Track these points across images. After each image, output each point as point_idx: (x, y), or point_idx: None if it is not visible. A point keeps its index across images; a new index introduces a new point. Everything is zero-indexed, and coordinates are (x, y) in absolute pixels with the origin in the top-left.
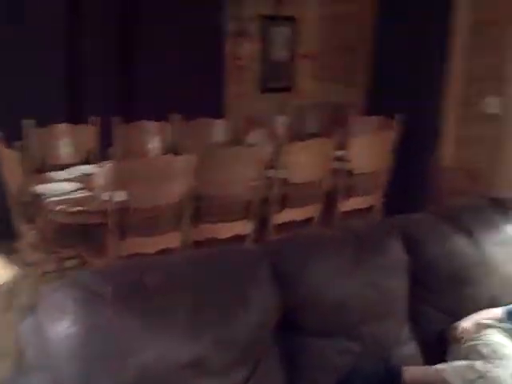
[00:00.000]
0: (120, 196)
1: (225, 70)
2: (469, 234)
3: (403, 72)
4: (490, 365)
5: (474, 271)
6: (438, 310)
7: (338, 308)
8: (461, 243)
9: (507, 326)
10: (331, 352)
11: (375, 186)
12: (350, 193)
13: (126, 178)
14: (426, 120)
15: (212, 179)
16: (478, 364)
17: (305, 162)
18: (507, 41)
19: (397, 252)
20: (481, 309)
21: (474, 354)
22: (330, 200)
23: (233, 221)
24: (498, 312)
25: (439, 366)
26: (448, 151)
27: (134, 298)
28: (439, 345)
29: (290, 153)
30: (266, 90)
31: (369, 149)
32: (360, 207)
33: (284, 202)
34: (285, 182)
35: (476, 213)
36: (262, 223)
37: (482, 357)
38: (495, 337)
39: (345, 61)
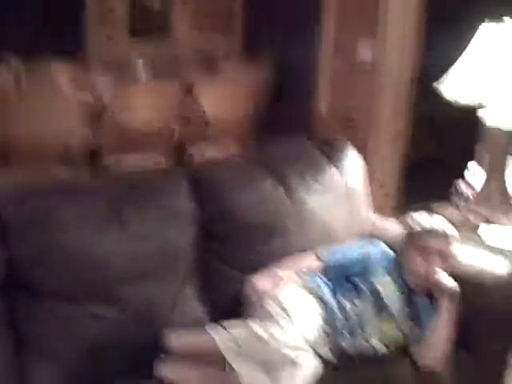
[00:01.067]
0: None
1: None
2: (281, 179)
3: (278, 19)
4: (270, 325)
5: (284, 221)
6: (234, 267)
7: (93, 267)
8: (270, 190)
9: (314, 282)
10: (77, 319)
11: (235, 135)
12: (205, 141)
13: None
14: (301, 67)
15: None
16: (257, 326)
17: (146, 106)
18: None
19: (180, 200)
20: None
21: (264, 314)
22: (181, 149)
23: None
24: (317, 264)
25: (212, 329)
26: (323, 100)
27: None
28: (234, 307)
29: (127, 96)
30: (136, 34)
31: (227, 95)
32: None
33: (120, 148)
34: (123, 126)
35: (295, 157)
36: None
37: (269, 317)
38: (293, 294)
39: (220, 7)
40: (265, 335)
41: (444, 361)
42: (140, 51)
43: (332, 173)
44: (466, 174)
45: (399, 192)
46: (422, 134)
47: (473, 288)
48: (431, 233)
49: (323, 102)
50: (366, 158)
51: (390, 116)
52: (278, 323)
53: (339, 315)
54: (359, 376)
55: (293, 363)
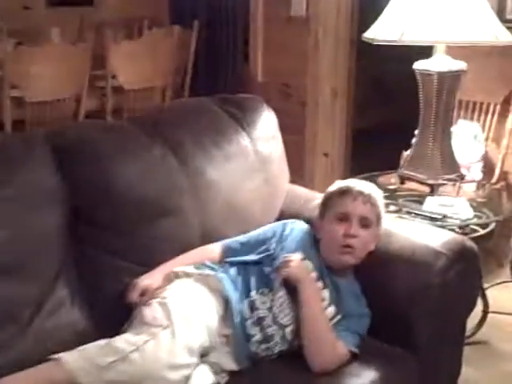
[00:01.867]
0: None
1: None
2: (174, 147)
3: None
4: (143, 337)
5: (176, 197)
6: (116, 255)
7: None
8: (158, 160)
9: (215, 275)
10: None
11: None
12: (121, 113)
13: None
14: (230, 29)
15: None
16: (122, 341)
17: (45, 75)
18: None
19: (42, 173)
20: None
21: (141, 322)
22: None
23: None
24: (215, 249)
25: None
26: (256, 62)
27: None
28: (117, 307)
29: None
30: (56, 4)
31: (147, 62)
32: None
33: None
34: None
35: (192, 120)
36: None
37: (141, 324)
38: (183, 293)
39: None
40: (133, 355)
41: (336, 360)
42: (60, 20)
43: (240, 138)
44: (414, 140)
45: (345, 161)
46: (370, 98)
47: (407, 267)
48: (345, 192)
49: (256, 65)
50: (305, 124)
51: (328, 78)
52: (154, 336)
53: (246, 312)
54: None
55: None
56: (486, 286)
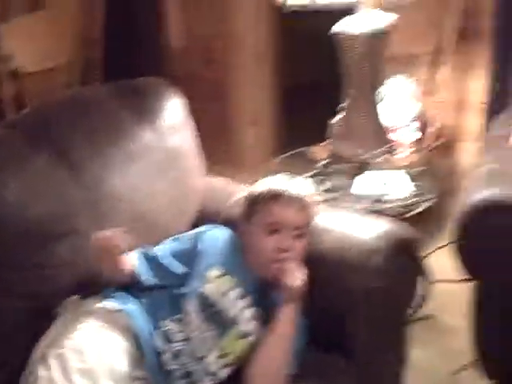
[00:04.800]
0: None
1: None
2: (62, 153)
3: None
4: None
5: (70, 214)
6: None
7: None
8: (46, 170)
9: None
10: None
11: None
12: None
13: None
14: None
15: None
16: None
17: None
18: None
19: None
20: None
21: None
22: None
23: None
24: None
25: None
26: (174, 28)
27: None
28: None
29: None
30: None
31: (47, 37)
32: None
33: None
34: None
35: (84, 117)
36: None
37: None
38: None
39: None
40: None
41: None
42: None
43: (142, 133)
44: (341, 106)
45: (277, 130)
46: (300, 58)
47: (340, 269)
48: (275, 198)
49: (174, 30)
50: (228, 88)
51: (252, 39)
52: None
53: (160, 346)
54: None
55: None
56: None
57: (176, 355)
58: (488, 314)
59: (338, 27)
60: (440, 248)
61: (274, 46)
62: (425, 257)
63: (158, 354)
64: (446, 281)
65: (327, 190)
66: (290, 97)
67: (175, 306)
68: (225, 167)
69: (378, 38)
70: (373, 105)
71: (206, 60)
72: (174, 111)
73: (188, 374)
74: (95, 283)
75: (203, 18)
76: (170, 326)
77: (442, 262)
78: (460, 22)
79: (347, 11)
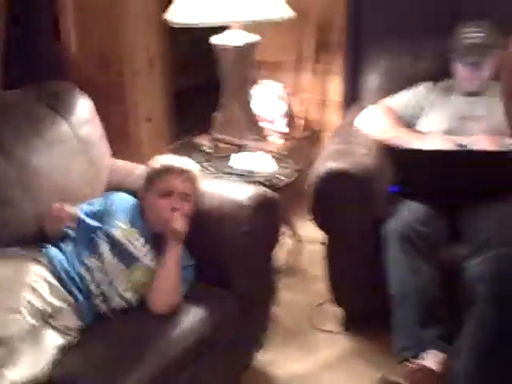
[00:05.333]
0: None
1: None
2: None
3: None
4: None
5: (5, 189)
6: None
7: None
8: None
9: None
10: None
11: None
12: None
13: None
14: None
15: None
16: None
17: None
18: None
19: None
20: None
21: None
22: None
23: None
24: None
25: None
26: (69, 37)
27: None
28: None
29: None
30: None
31: None
32: None
33: None
34: None
35: (11, 113)
36: None
37: None
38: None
39: None
40: None
41: (174, 305)
42: None
43: (59, 125)
44: (220, 103)
45: (168, 124)
46: (190, 58)
47: (219, 221)
48: (168, 171)
49: (69, 38)
50: (126, 93)
51: (143, 43)
52: None
53: (85, 277)
54: (115, 334)
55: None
56: (296, 219)
57: (93, 278)
58: (335, 262)
59: (216, 40)
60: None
61: (164, 54)
62: (295, 225)
63: (81, 281)
64: (312, 241)
65: (210, 166)
66: (179, 97)
67: (94, 247)
68: (125, 159)
69: (246, 49)
70: (246, 101)
71: (104, 68)
72: (83, 109)
73: (102, 293)
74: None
75: (95, 25)
76: (90, 261)
77: (311, 230)
78: (318, 36)
79: (225, 27)
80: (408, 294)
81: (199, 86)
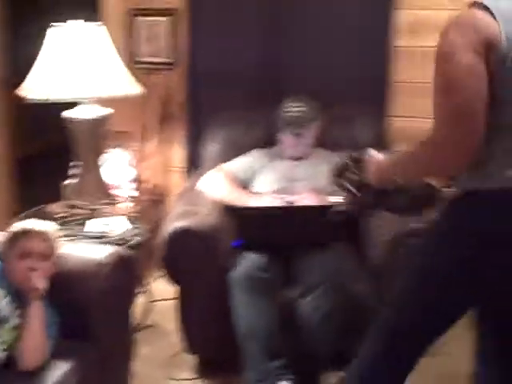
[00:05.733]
0: None
1: None
2: None
3: None
4: None
5: None
6: None
7: None
8: None
9: None
10: None
11: None
12: None
13: None
14: None
15: None
16: None
17: None
18: None
19: None
20: None
21: None
22: None
23: None
24: None
25: None
26: None
27: None
28: None
29: None
30: None
31: None
32: None
33: None
34: None
35: None
36: None
37: None
38: None
39: None
40: None
41: (41, 361)
42: None
43: None
44: (71, 171)
45: (11, 192)
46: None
47: (81, 279)
48: (26, 234)
49: None
50: None
51: None
52: None
53: None
54: None
55: None
56: (149, 276)
57: None
58: (187, 313)
59: (68, 113)
60: (160, 276)
61: (8, 121)
62: (148, 282)
63: None
64: (164, 299)
65: (66, 230)
66: (24, 166)
67: None
68: None
69: (99, 122)
70: (97, 168)
71: None
72: None
73: None
74: None
75: None
76: None
77: (162, 286)
78: (161, 109)
79: (76, 102)
80: (255, 331)
81: (46, 155)
